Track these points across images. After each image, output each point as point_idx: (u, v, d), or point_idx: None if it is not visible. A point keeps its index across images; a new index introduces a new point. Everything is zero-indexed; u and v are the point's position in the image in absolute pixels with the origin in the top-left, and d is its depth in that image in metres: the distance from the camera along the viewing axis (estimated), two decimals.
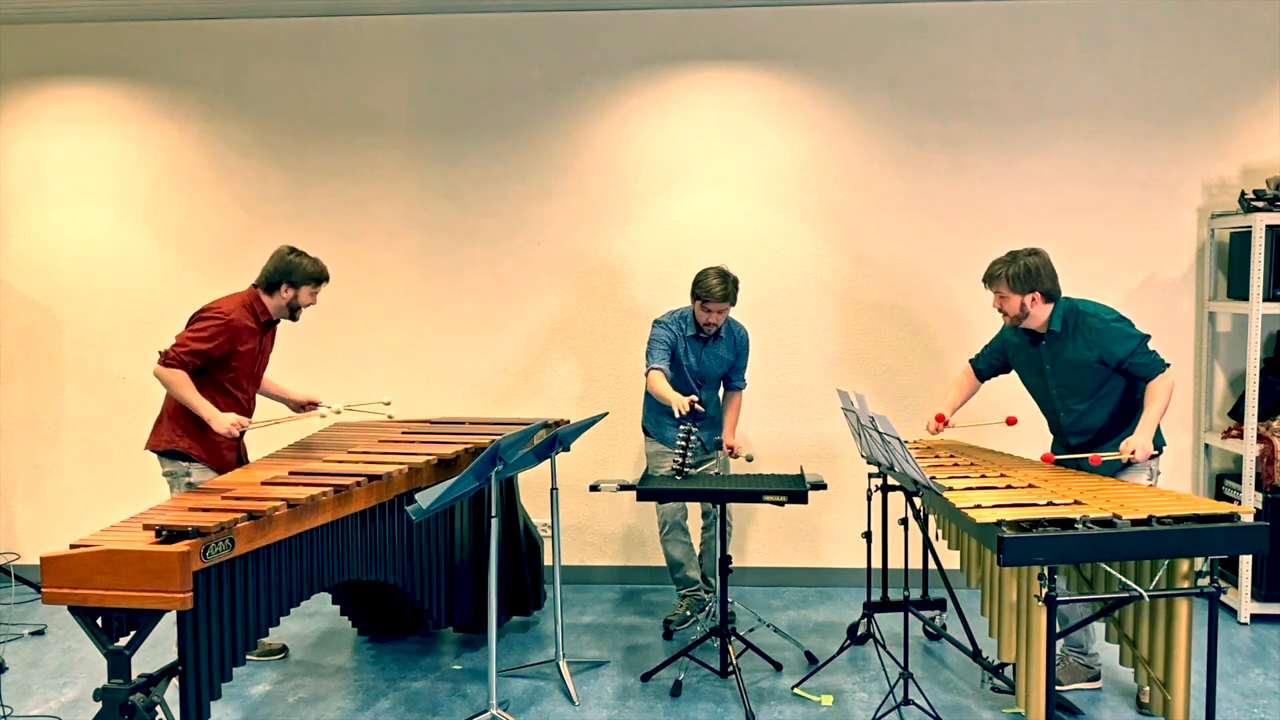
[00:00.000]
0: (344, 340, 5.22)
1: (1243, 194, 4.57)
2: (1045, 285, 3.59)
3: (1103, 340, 3.56)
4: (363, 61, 5.13)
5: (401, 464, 3.64)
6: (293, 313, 4.03)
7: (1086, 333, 3.59)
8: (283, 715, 3.73)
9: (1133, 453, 3.42)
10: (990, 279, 3.67)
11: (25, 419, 5.33)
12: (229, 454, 3.98)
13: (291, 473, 3.48)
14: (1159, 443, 3.64)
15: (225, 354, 3.88)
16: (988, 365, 4.05)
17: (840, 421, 4.91)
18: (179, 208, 5.23)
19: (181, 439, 3.90)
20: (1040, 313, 3.62)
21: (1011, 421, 4.05)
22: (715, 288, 4.19)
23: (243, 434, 3.96)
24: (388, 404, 4.38)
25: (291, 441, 4.18)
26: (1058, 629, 2.92)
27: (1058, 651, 3.80)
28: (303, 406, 4.31)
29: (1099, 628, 3.71)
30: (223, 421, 3.84)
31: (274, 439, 4.24)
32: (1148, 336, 3.58)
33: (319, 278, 4.00)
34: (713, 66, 5.05)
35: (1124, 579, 2.98)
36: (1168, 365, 3.54)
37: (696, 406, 3.91)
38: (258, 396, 4.20)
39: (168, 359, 3.84)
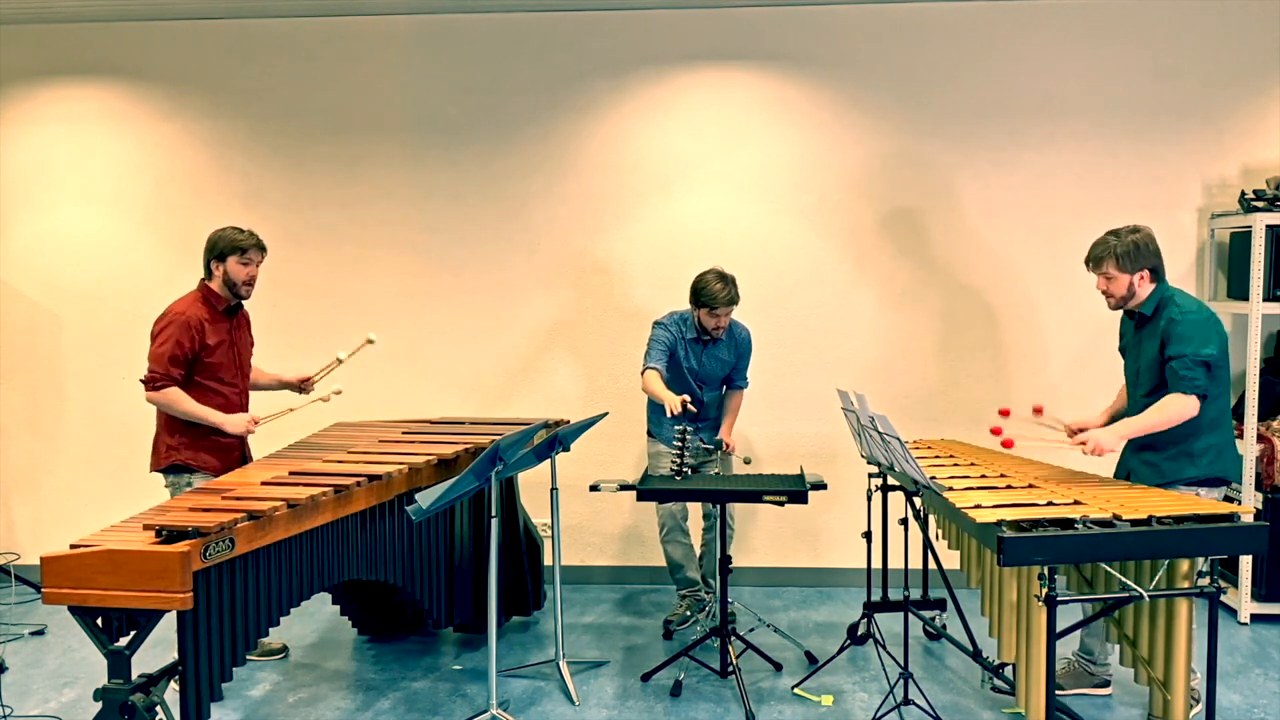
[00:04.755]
0: (343, 340, 5.19)
1: (1243, 194, 4.57)
2: (1152, 261, 3.44)
3: (1170, 332, 3.36)
4: (363, 61, 5.13)
5: (401, 464, 3.64)
6: (233, 290, 3.93)
7: (1164, 322, 3.40)
8: (283, 715, 3.73)
9: (1083, 442, 3.28)
10: (1095, 260, 3.49)
11: (25, 419, 5.33)
12: (229, 459, 3.95)
13: (291, 473, 3.48)
14: (1225, 473, 3.45)
15: (197, 351, 3.84)
16: None
17: (840, 421, 4.91)
18: (179, 208, 5.23)
19: (179, 452, 3.88)
20: (1145, 292, 3.46)
21: (1005, 413, 3.83)
22: (720, 292, 4.19)
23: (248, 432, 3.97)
24: (371, 341, 4.29)
25: (292, 441, 4.18)
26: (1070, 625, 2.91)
27: (1068, 656, 3.80)
28: (299, 385, 4.28)
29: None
30: (236, 422, 3.84)
31: (276, 438, 4.24)
32: (1209, 359, 3.32)
33: (242, 247, 3.88)
34: (713, 66, 5.05)
35: (1124, 579, 2.97)
36: (1199, 393, 3.30)
37: (689, 406, 3.91)
38: (257, 393, 4.19)
39: (154, 382, 3.80)
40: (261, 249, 3.96)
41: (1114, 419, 3.79)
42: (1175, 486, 3.40)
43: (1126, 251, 3.43)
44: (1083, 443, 3.31)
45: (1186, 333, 3.35)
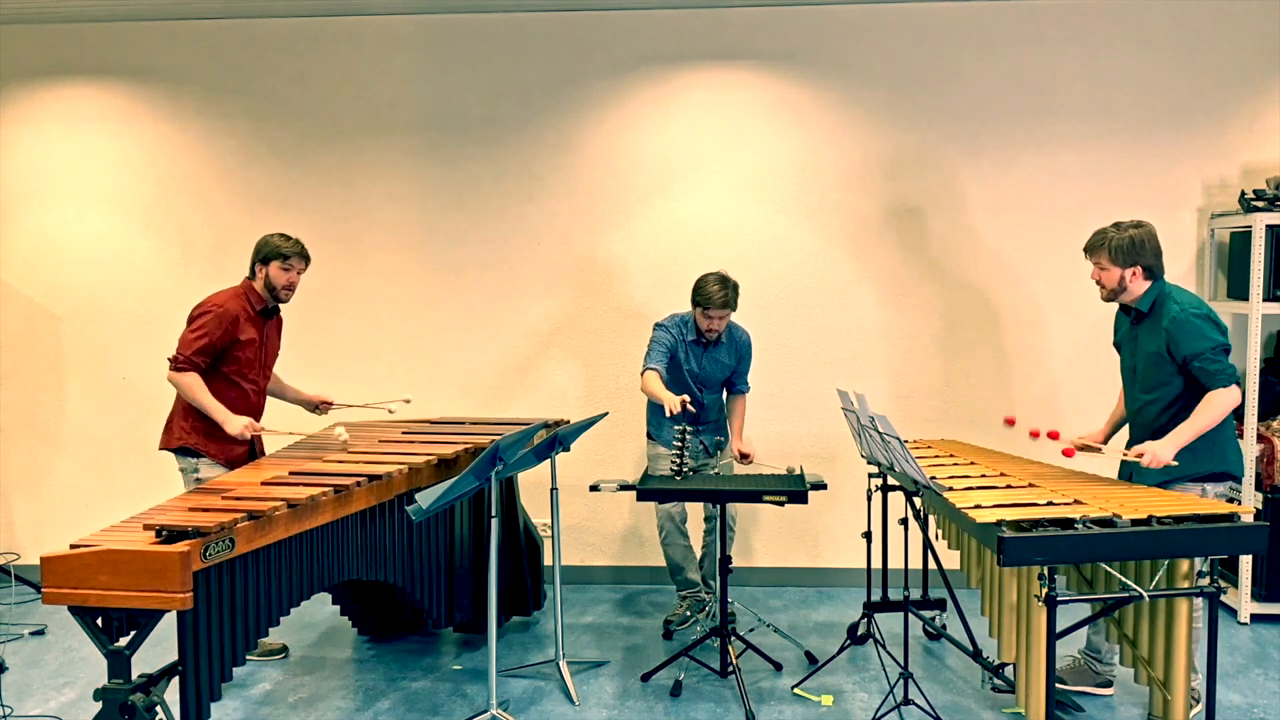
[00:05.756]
0: (344, 340, 5.22)
1: (1243, 194, 4.57)
2: (1148, 260, 3.44)
3: (1175, 331, 3.35)
4: (363, 61, 5.13)
5: (401, 464, 3.64)
6: (273, 293, 4.05)
7: (1164, 319, 3.39)
8: (283, 715, 3.73)
9: (1139, 455, 3.28)
10: (1091, 248, 3.51)
11: (25, 419, 5.33)
12: (239, 449, 4.00)
13: (292, 473, 3.48)
14: (1230, 468, 3.44)
15: (228, 344, 3.94)
16: None
17: (840, 421, 4.91)
18: (179, 208, 5.23)
19: (190, 435, 3.96)
20: (1138, 289, 3.47)
21: (1010, 422, 3.98)
22: (716, 294, 4.18)
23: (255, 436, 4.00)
24: (408, 401, 4.42)
25: (291, 442, 4.18)
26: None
27: (1074, 654, 3.80)
28: (316, 406, 4.38)
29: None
30: (235, 424, 3.89)
31: (274, 440, 4.25)
32: (1227, 345, 3.35)
33: (285, 254, 4.02)
34: (713, 66, 5.05)
35: (1124, 579, 2.98)
36: (1237, 381, 3.33)
37: (688, 406, 3.91)
38: (276, 401, 4.23)
39: (177, 363, 3.90)
40: (304, 258, 4.09)
41: (1115, 428, 3.81)
42: (1180, 482, 3.40)
43: (1121, 245, 3.44)
44: (1139, 455, 3.29)
45: (1197, 329, 3.35)
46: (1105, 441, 3.77)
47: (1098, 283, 3.55)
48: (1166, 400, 3.46)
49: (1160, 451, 3.27)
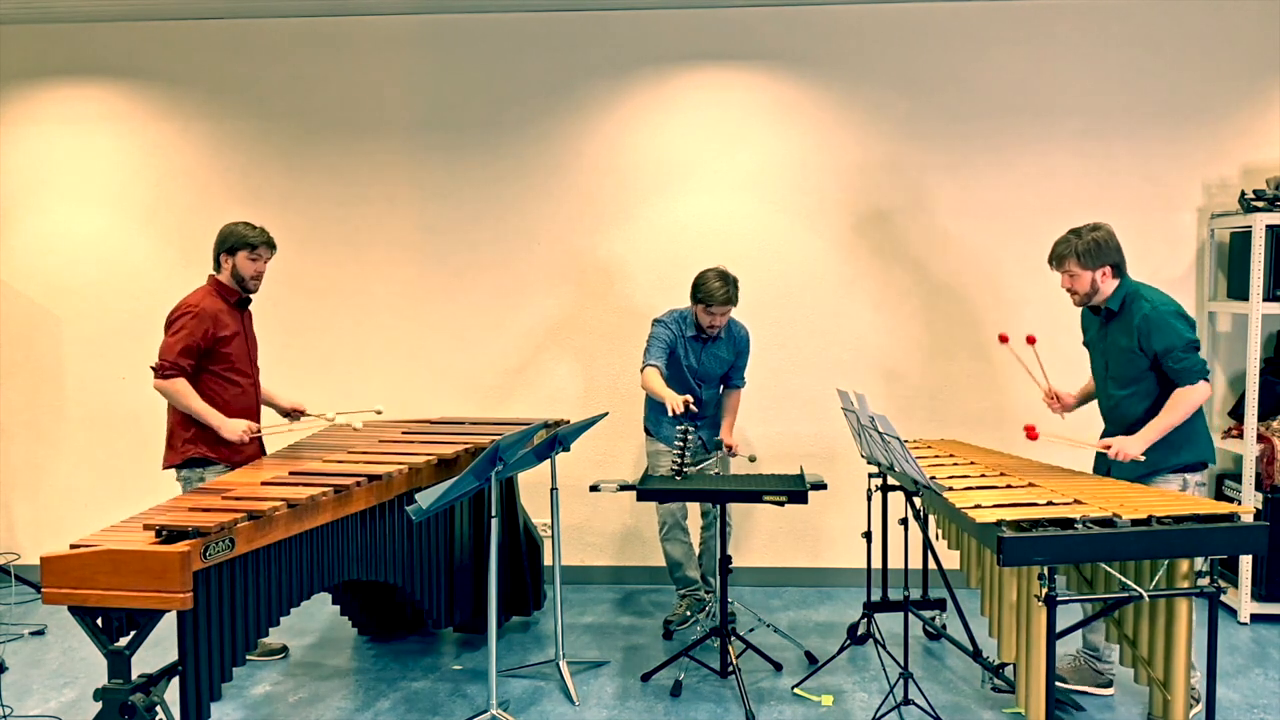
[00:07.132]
0: (343, 340, 5.22)
1: (1243, 194, 4.57)
2: (1113, 258, 3.51)
3: (1147, 327, 3.43)
4: (363, 61, 5.13)
5: (401, 464, 3.64)
6: (242, 284, 3.98)
7: (1135, 317, 3.47)
8: (283, 715, 3.73)
9: (1107, 447, 3.38)
10: (1057, 259, 3.57)
11: (25, 419, 5.33)
12: (245, 451, 3.95)
13: (291, 473, 3.48)
14: (1207, 457, 3.50)
15: (212, 343, 3.86)
16: None
17: (840, 421, 4.92)
18: (179, 208, 5.23)
19: (195, 446, 3.88)
20: (1108, 288, 3.53)
21: (1004, 338, 3.99)
22: (717, 291, 4.18)
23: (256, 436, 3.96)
24: (379, 412, 4.31)
25: (292, 442, 4.18)
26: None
27: (1072, 653, 3.80)
28: (289, 412, 4.25)
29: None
30: (233, 428, 3.83)
31: (275, 438, 4.25)
32: (1196, 341, 3.42)
33: (253, 243, 3.94)
34: (713, 66, 5.05)
35: (1124, 579, 2.98)
36: (1205, 377, 3.40)
37: (691, 406, 3.91)
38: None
39: (163, 370, 3.80)
40: (271, 246, 4.02)
41: (1085, 399, 3.90)
42: (1161, 473, 3.46)
43: (1088, 249, 3.50)
44: (1107, 446, 3.39)
45: (1167, 324, 3.42)
46: (1076, 405, 3.90)
47: (1069, 290, 3.60)
48: (1141, 394, 3.53)
49: (1129, 446, 3.37)
